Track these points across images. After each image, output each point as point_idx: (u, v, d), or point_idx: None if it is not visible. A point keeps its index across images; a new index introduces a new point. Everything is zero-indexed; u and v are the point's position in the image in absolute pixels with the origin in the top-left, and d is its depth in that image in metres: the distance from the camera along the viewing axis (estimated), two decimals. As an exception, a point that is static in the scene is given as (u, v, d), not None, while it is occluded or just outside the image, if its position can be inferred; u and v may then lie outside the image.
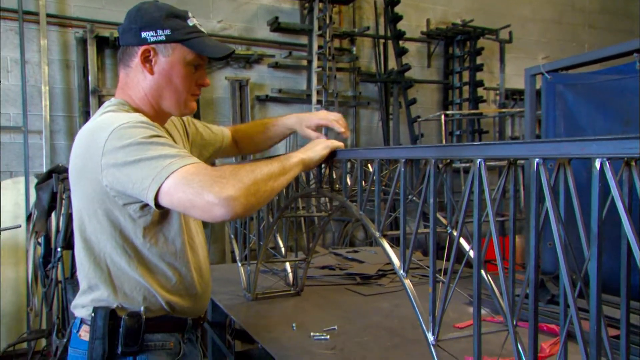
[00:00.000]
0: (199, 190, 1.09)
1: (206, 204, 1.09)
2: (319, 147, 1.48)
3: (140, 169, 1.15)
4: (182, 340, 1.43)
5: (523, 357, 0.96)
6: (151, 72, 1.37)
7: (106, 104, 1.40)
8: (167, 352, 1.38)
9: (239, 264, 2.47)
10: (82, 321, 1.36)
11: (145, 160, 1.15)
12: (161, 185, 1.12)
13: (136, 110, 1.39)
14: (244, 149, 1.96)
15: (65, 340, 3.14)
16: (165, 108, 1.43)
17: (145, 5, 1.38)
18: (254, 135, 1.87)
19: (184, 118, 1.69)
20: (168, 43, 1.35)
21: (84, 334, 1.33)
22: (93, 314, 1.31)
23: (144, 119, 1.29)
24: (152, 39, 1.34)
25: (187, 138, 1.69)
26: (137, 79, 1.40)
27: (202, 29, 1.42)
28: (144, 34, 1.34)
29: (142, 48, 1.35)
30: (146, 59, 1.36)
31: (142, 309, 1.33)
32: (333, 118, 1.72)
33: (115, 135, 1.19)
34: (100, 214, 1.28)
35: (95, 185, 1.24)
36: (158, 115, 1.43)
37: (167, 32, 1.34)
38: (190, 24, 1.38)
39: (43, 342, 3.68)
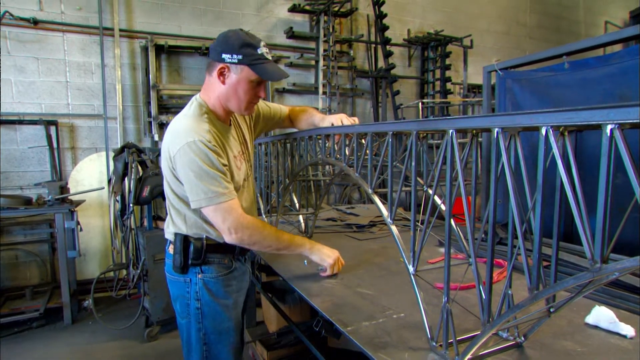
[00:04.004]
0: (228, 226, 1.37)
1: (225, 233, 1.39)
2: (329, 259, 1.66)
3: (195, 186, 1.33)
4: (234, 259, 1.56)
5: (480, 283, 0.95)
6: (223, 83, 1.42)
7: (193, 100, 1.48)
8: (222, 265, 1.52)
9: (264, 216, 2.47)
10: (170, 242, 1.53)
11: (201, 183, 1.32)
12: (206, 206, 1.34)
13: (211, 109, 1.47)
14: (295, 127, 1.94)
15: (138, 270, 3.20)
16: (231, 109, 1.49)
17: (230, 33, 1.41)
18: (302, 119, 1.87)
19: None
20: (239, 65, 1.38)
21: (170, 249, 1.52)
22: (174, 238, 1.48)
23: (207, 136, 1.35)
24: (228, 60, 1.38)
25: (252, 117, 1.74)
26: (214, 85, 1.45)
27: (269, 57, 1.42)
28: (223, 55, 1.38)
29: (221, 65, 1.40)
30: (221, 73, 1.41)
31: (204, 236, 1.47)
32: (348, 122, 1.64)
33: (184, 150, 1.33)
34: (172, 181, 1.43)
35: (168, 166, 1.40)
36: (225, 112, 1.50)
37: (240, 57, 1.37)
38: (259, 52, 1.39)
39: (124, 272, 3.76)
